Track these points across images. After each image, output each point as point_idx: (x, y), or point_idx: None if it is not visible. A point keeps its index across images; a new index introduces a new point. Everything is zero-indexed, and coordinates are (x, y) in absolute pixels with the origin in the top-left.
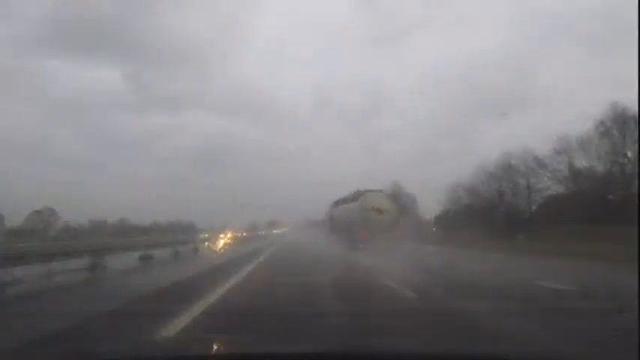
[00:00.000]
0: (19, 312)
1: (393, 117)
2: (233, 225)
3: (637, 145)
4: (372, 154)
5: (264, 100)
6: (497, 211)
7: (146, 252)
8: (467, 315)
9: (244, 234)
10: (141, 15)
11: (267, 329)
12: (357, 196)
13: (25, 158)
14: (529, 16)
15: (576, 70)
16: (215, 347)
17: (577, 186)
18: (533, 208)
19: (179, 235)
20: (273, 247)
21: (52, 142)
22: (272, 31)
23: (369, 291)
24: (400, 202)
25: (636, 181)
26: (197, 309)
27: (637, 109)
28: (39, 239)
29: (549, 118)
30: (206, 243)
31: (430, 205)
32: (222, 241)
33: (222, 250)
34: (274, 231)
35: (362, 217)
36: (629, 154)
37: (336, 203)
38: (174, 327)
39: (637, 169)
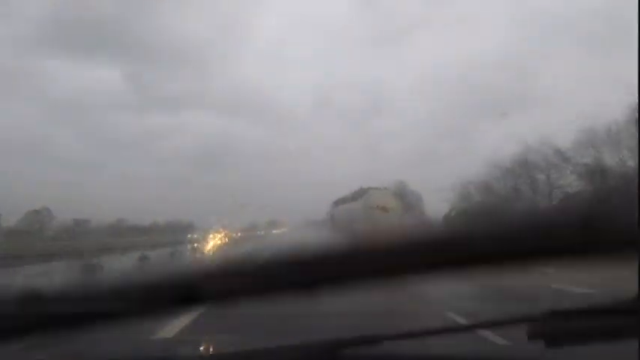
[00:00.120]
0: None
1: (393, 117)
2: (232, 225)
3: None
4: (372, 154)
5: (264, 100)
6: (514, 209)
7: (92, 261)
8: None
9: (239, 234)
10: (141, 15)
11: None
12: (360, 194)
13: (24, 158)
14: (529, 16)
15: (576, 70)
16: (215, 347)
17: (604, 182)
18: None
19: (162, 237)
20: (273, 247)
21: (52, 142)
22: (272, 31)
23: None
24: (405, 200)
25: None
26: None
27: None
28: (28, 240)
29: (549, 118)
30: (194, 245)
31: (433, 204)
32: (212, 243)
33: (210, 254)
34: (274, 231)
35: (365, 216)
36: None
37: (338, 202)
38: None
39: None
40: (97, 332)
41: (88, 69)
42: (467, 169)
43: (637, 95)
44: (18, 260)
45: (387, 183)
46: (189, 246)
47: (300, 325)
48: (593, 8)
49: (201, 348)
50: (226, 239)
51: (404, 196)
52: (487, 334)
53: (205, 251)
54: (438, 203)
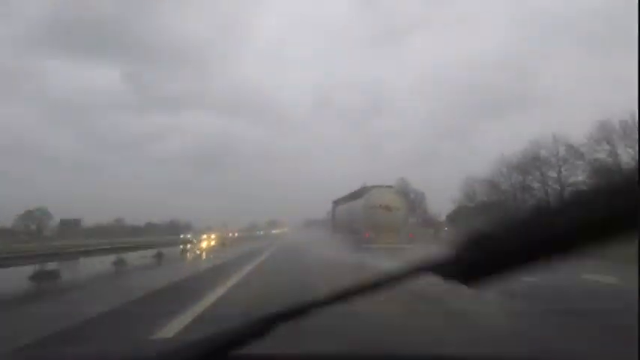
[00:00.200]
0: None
1: (393, 117)
2: (232, 225)
3: None
4: (372, 153)
5: (264, 100)
6: (523, 207)
7: (47, 266)
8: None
9: (236, 234)
10: (141, 15)
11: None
12: (361, 192)
13: (23, 158)
14: (529, 16)
15: (576, 70)
16: (215, 347)
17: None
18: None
19: (153, 238)
20: (271, 248)
21: (52, 142)
22: (272, 31)
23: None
24: (408, 199)
25: None
26: None
27: None
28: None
29: (549, 118)
30: (186, 246)
31: (436, 203)
32: (205, 243)
33: (195, 257)
34: (273, 231)
35: (368, 215)
36: None
37: (340, 201)
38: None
39: None
40: (97, 332)
41: (88, 69)
42: (468, 168)
43: (637, 95)
44: None
45: (389, 181)
46: (180, 247)
47: (300, 326)
48: (593, 8)
49: (202, 348)
50: (220, 240)
51: (406, 195)
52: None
53: (197, 252)
54: (441, 202)
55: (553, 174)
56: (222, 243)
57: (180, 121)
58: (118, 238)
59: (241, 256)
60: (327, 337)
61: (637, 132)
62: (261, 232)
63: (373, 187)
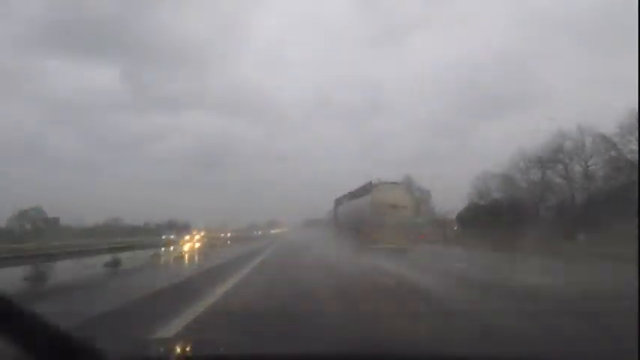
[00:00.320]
0: None
1: (393, 117)
2: (231, 225)
3: None
4: (372, 153)
5: (264, 100)
6: (543, 205)
7: None
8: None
9: (229, 234)
10: (141, 15)
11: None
12: (367, 189)
13: (23, 158)
14: (529, 16)
15: (576, 70)
16: (215, 347)
17: None
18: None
19: (127, 238)
20: (267, 250)
21: (52, 142)
22: (272, 31)
23: None
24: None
25: None
26: None
27: None
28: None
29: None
30: (157, 250)
31: (442, 202)
32: (189, 245)
33: (165, 265)
34: (272, 231)
35: (375, 213)
36: None
37: (342, 199)
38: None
39: None
40: (98, 332)
41: (88, 69)
42: (472, 166)
43: (637, 95)
44: None
45: (393, 179)
46: (152, 251)
47: (300, 326)
48: (593, 8)
49: (202, 348)
50: (209, 241)
51: (412, 192)
52: None
53: (176, 256)
54: (447, 200)
55: (578, 168)
56: (212, 244)
57: (180, 121)
58: (97, 239)
59: (228, 262)
60: (327, 337)
61: None
62: (259, 232)
63: (379, 183)
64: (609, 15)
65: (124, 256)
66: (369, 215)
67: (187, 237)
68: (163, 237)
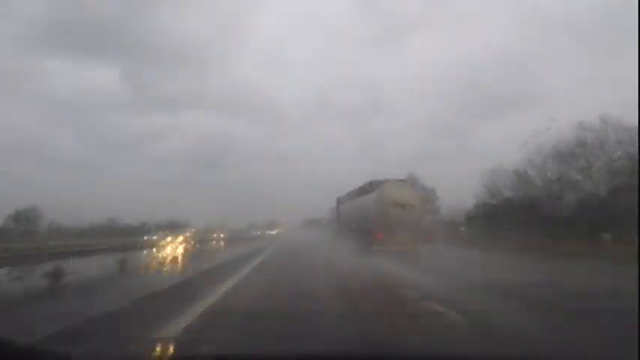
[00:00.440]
0: None
1: (393, 117)
2: (231, 225)
3: None
4: (372, 153)
5: (264, 100)
6: (561, 203)
7: None
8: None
9: (222, 235)
10: (141, 15)
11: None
12: (373, 187)
13: (22, 158)
14: (529, 16)
15: (576, 70)
16: (215, 347)
17: None
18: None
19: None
20: (269, 249)
21: (51, 142)
22: (272, 31)
23: None
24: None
25: None
26: None
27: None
28: None
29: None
30: (124, 256)
31: (447, 201)
32: (170, 248)
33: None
34: (271, 232)
35: (381, 212)
36: None
37: (345, 197)
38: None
39: None
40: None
41: (88, 69)
42: (476, 165)
43: (637, 95)
44: None
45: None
46: (121, 256)
47: (300, 326)
48: (593, 8)
49: (202, 348)
50: (192, 242)
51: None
52: None
53: (154, 262)
54: (454, 199)
55: (599, 163)
56: (201, 249)
57: (180, 121)
58: (76, 240)
59: (213, 269)
60: (327, 337)
61: None
62: (258, 233)
63: (386, 180)
64: (609, 15)
65: (80, 263)
66: (375, 214)
67: (169, 238)
68: (145, 238)
